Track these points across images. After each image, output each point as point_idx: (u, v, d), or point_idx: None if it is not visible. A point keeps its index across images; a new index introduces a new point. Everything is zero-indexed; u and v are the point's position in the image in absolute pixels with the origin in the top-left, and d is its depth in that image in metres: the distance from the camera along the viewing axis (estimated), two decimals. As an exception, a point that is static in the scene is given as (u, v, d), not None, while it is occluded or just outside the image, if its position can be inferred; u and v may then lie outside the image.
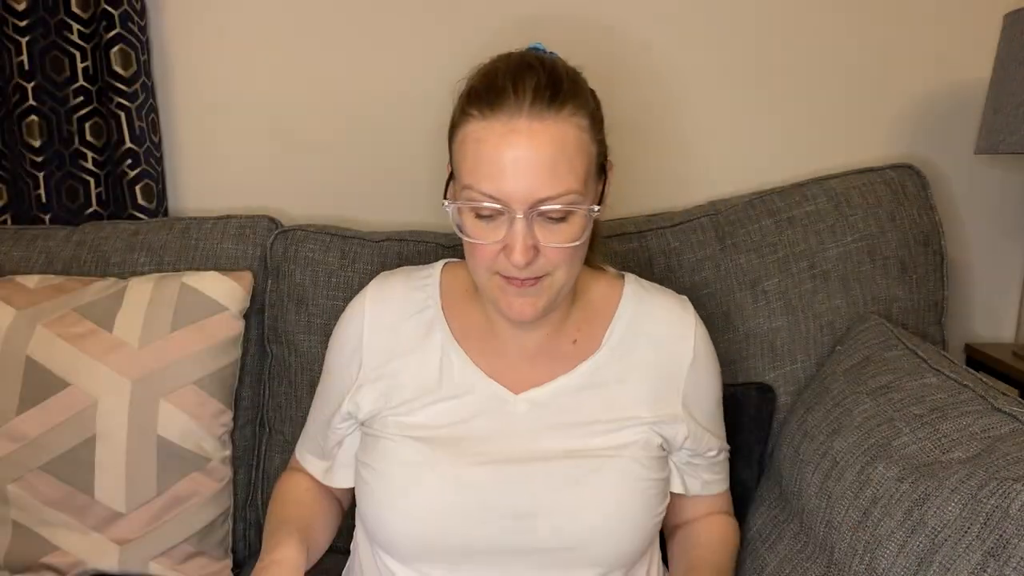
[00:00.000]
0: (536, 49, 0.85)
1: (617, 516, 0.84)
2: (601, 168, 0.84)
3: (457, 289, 0.94)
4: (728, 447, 0.99)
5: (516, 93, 0.76)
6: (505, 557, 0.84)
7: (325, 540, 0.96)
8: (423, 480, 0.84)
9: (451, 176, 0.84)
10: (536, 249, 0.78)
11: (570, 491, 0.84)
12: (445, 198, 0.85)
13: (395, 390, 0.90)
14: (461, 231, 0.81)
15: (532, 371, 0.89)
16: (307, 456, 1.00)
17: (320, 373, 1.00)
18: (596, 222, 0.84)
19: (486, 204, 0.77)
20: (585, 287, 0.93)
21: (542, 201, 0.76)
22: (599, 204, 0.82)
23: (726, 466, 0.99)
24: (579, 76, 0.83)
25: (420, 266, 0.99)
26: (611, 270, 0.98)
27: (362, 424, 0.93)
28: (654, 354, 0.91)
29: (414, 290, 0.94)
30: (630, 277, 0.97)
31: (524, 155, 0.75)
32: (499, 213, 0.77)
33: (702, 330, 0.95)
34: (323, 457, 0.98)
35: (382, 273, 0.98)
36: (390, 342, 0.92)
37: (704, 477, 0.96)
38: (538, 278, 0.80)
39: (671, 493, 0.93)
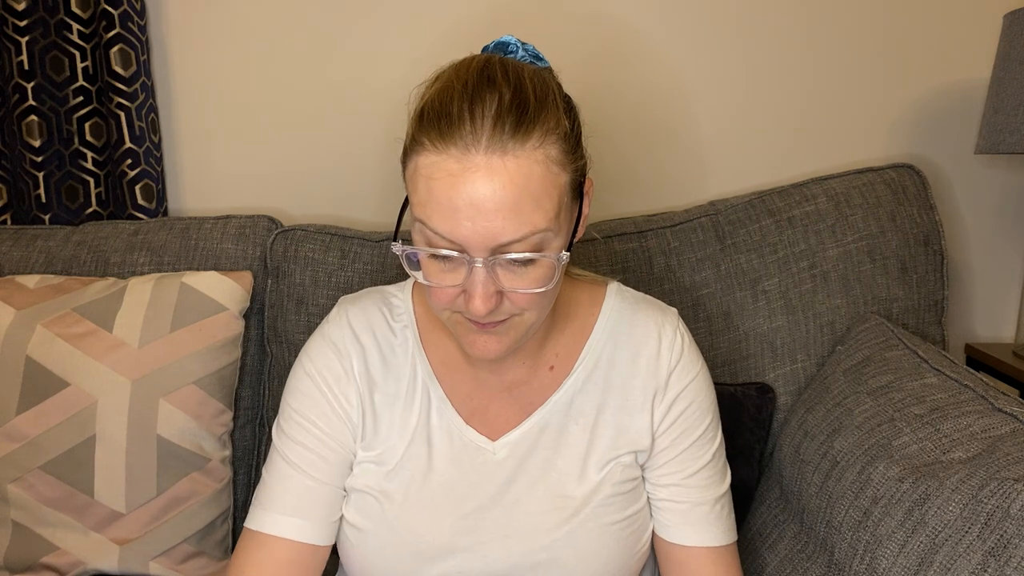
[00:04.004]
0: (506, 46, 0.76)
1: (597, 566, 0.80)
2: (577, 191, 0.74)
3: (432, 316, 0.86)
4: (725, 490, 0.86)
5: (473, 121, 0.66)
6: None
7: None
8: (404, 550, 0.80)
9: (407, 201, 0.74)
10: (500, 294, 0.70)
11: (547, 550, 0.79)
12: (398, 225, 0.76)
13: (380, 434, 0.83)
14: (416, 269, 0.73)
15: (510, 407, 0.84)
16: (285, 522, 0.81)
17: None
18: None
19: (441, 252, 0.68)
20: (563, 299, 0.85)
21: (503, 246, 0.67)
22: (575, 232, 0.75)
23: (724, 514, 0.85)
24: (550, 87, 0.72)
25: (387, 288, 0.90)
26: (590, 275, 0.91)
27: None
28: (630, 378, 0.84)
29: (391, 319, 0.87)
30: (612, 288, 0.89)
31: (482, 197, 0.65)
32: (456, 253, 0.68)
33: (690, 348, 0.86)
34: (310, 518, 0.82)
35: (346, 298, 0.89)
36: (376, 378, 0.85)
37: (691, 523, 0.84)
38: (505, 319, 0.73)
39: (666, 542, 0.85)
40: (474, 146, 0.66)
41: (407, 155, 0.71)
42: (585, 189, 0.77)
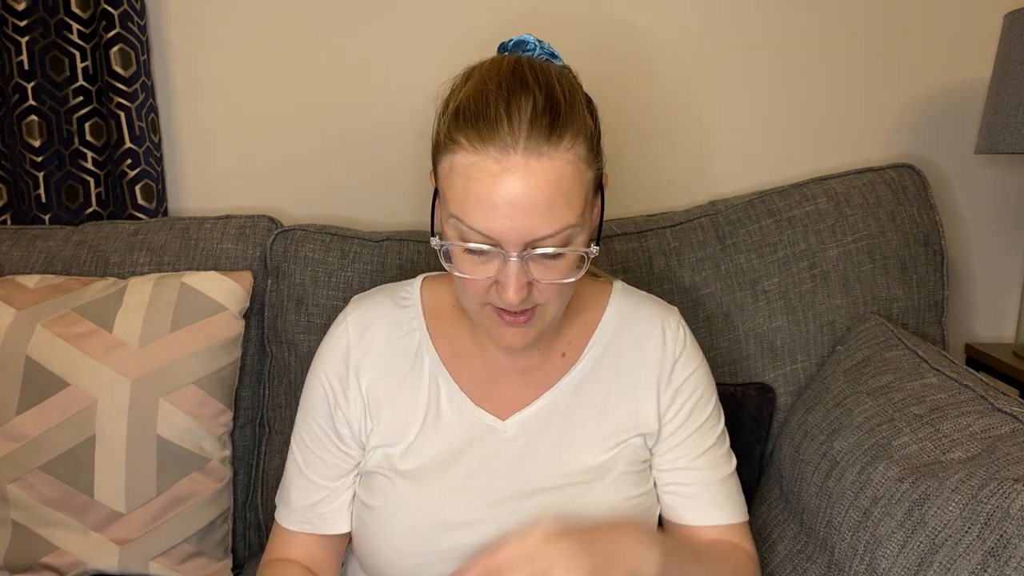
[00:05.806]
0: (524, 44, 0.79)
1: None
2: (598, 187, 0.79)
3: (442, 307, 0.90)
4: (731, 471, 0.90)
5: (510, 123, 0.69)
6: None
7: None
8: (414, 523, 0.82)
9: (437, 193, 0.78)
10: (530, 285, 0.74)
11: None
12: (433, 219, 0.80)
13: (386, 421, 0.87)
14: (448, 262, 0.76)
15: (521, 388, 0.87)
16: (289, 514, 0.90)
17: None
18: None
19: (474, 246, 0.72)
20: (574, 294, 0.87)
21: (537, 241, 0.72)
22: (600, 225, 0.80)
23: (731, 494, 0.89)
24: (575, 87, 0.77)
25: (397, 283, 0.94)
26: (596, 273, 0.96)
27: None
28: (636, 367, 0.88)
29: (398, 310, 0.90)
30: (617, 285, 0.94)
31: (519, 195, 0.69)
32: (491, 247, 0.72)
33: (691, 342, 0.91)
34: (319, 522, 0.89)
35: (358, 295, 0.94)
36: (380, 367, 0.88)
37: (701, 503, 0.88)
38: (531, 309, 0.77)
39: (676, 525, 0.89)
40: (512, 147, 0.69)
41: (440, 152, 0.75)
42: (604, 183, 0.81)
